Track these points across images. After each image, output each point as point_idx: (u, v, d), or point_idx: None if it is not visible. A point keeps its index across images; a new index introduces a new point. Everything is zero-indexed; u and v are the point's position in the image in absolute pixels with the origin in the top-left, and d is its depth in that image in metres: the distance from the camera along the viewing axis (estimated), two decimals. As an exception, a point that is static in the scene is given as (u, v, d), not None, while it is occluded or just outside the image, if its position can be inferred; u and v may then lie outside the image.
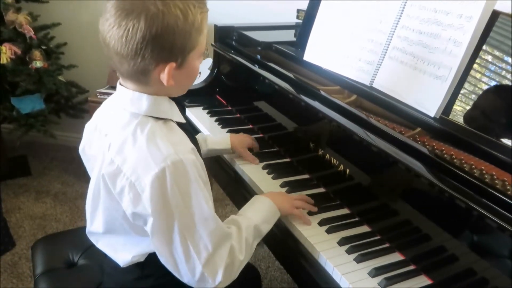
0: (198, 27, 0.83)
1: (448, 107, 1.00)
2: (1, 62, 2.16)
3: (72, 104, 2.56)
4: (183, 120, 0.94)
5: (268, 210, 1.05)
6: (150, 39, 0.77)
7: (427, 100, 1.02)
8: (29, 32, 2.25)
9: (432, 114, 1.00)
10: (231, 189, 1.42)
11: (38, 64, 2.26)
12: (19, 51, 2.22)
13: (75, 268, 1.22)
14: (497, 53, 0.98)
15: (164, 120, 0.89)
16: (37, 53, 2.26)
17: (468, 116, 1.00)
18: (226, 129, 1.52)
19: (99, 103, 1.00)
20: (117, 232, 0.96)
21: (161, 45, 0.79)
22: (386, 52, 1.14)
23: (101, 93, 2.37)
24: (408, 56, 1.08)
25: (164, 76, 0.83)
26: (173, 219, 0.84)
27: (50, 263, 1.22)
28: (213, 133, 1.50)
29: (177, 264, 0.88)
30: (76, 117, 2.58)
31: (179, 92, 0.94)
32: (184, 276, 0.89)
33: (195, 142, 0.94)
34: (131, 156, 0.84)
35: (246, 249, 0.95)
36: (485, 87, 1.00)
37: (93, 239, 1.04)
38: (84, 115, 2.57)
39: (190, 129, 0.97)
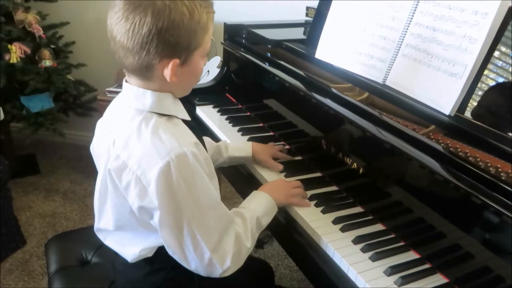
0: (204, 26, 0.84)
1: (463, 104, 1.00)
2: (11, 61, 2.18)
3: (81, 103, 2.57)
4: (188, 118, 0.94)
5: (267, 204, 1.07)
6: (155, 33, 0.79)
7: (441, 97, 1.01)
8: (38, 31, 2.26)
9: (447, 112, 1.00)
10: (241, 187, 1.42)
11: (47, 63, 2.27)
12: (28, 50, 2.23)
13: (89, 266, 1.24)
14: (504, 49, 0.97)
15: (169, 116, 0.90)
16: (46, 52, 2.28)
17: (482, 113, 0.99)
18: (237, 128, 1.52)
19: (108, 101, 1.01)
20: (125, 228, 0.97)
21: (166, 40, 0.80)
22: (399, 50, 1.13)
23: (110, 92, 2.37)
24: (422, 53, 1.07)
25: (167, 72, 0.84)
26: (181, 211, 0.85)
27: (63, 261, 1.23)
28: (224, 132, 1.50)
29: (185, 253, 0.89)
30: (85, 115, 2.59)
31: (182, 92, 0.94)
32: (191, 262, 0.90)
33: (201, 140, 0.95)
34: (136, 150, 0.85)
35: (251, 238, 0.97)
36: (492, 83, 0.99)
37: (101, 236, 1.05)
38: (92, 113, 2.58)
39: (196, 127, 0.97)
